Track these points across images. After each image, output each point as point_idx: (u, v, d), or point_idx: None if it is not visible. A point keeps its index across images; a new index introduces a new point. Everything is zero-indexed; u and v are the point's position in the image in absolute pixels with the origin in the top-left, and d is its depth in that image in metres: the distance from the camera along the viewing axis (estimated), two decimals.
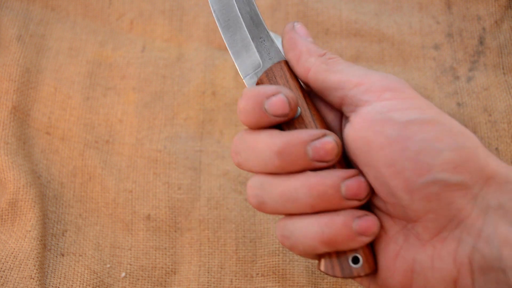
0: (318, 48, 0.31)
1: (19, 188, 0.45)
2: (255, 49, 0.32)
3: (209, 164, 0.48)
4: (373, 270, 0.28)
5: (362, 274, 0.28)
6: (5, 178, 0.46)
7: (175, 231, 0.46)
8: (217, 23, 0.33)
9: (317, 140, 0.27)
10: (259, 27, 0.32)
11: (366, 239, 0.27)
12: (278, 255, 0.44)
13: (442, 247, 0.25)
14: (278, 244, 0.45)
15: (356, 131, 0.26)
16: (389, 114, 0.25)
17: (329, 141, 0.27)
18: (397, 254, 0.27)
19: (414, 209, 0.25)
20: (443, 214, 0.25)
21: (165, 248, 0.46)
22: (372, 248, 0.28)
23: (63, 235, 0.46)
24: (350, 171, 0.27)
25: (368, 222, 0.26)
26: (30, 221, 0.44)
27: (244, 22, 0.32)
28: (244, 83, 0.33)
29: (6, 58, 0.51)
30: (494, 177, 0.24)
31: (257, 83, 0.31)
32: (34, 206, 0.45)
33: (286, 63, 0.31)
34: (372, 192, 0.27)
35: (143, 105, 0.51)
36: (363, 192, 0.27)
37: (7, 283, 0.41)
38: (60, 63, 0.53)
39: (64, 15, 0.56)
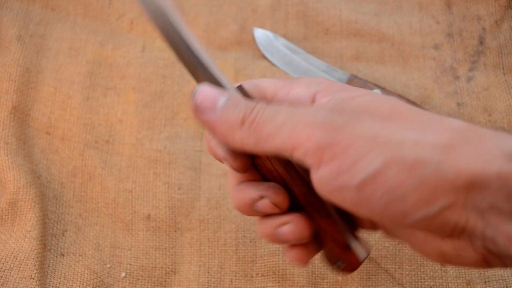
0: (232, 111, 0.26)
1: (19, 188, 0.45)
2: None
3: (209, 164, 0.48)
4: (358, 266, 0.30)
5: (348, 271, 0.30)
6: (5, 178, 0.46)
7: (175, 231, 0.46)
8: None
9: (258, 201, 0.28)
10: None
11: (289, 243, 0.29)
12: (278, 255, 0.44)
13: (459, 243, 0.25)
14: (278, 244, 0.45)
15: (321, 193, 0.25)
16: (339, 182, 0.23)
17: (267, 204, 0.28)
18: (424, 241, 0.27)
19: (413, 232, 0.26)
20: (442, 232, 0.24)
21: (165, 248, 0.46)
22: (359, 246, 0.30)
23: (63, 235, 0.46)
24: (286, 218, 0.28)
25: (287, 234, 0.29)
26: (30, 221, 0.44)
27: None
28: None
29: (6, 58, 0.51)
30: (472, 182, 0.22)
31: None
32: (34, 206, 0.45)
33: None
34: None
35: (143, 105, 0.51)
36: (297, 237, 0.28)
37: (7, 283, 0.41)
38: (60, 63, 0.53)
39: (64, 15, 0.56)
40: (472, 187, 0.22)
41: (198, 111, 0.26)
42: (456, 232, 0.24)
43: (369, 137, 0.22)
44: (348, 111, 0.24)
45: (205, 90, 0.27)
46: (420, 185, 0.22)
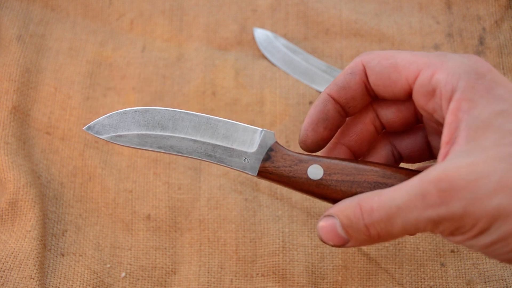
0: (355, 236, 0.27)
1: (19, 188, 0.45)
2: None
3: (209, 164, 0.48)
4: None
5: None
6: (5, 178, 0.46)
7: (175, 231, 0.46)
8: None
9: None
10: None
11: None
12: (278, 255, 0.44)
13: None
14: (278, 244, 0.45)
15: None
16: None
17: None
18: None
19: None
20: None
21: (165, 248, 0.46)
22: None
23: (63, 235, 0.46)
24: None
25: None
26: (30, 221, 0.44)
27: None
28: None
29: (6, 58, 0.51)
30: None
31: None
32: (34, 206, 0.45)
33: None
34: None
35: (143, 105, 0.51)
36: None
37: (7, 283, 0.41)
38: (60, 63, 0.53)
39: (64, 15, 0.56)
40: None
41: (341, 247, 0.29)
42: None
43: (490, 214, 0.22)
44: (461, 189, 0.23)
45: (323, 230, 0.28)
46: None
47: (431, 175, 0.24)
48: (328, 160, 0.30)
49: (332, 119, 0.31)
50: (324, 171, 0.29)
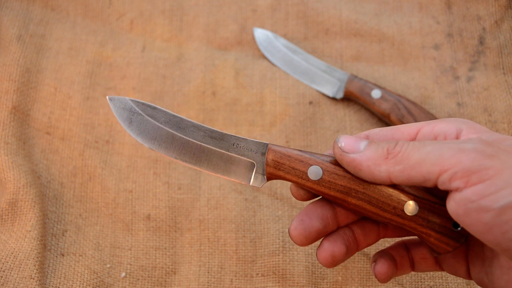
0: (375, 148, 0.29)
1: (19, 188, 0.45)
2: (238, 156, 0.32)
3: None
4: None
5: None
6: (5, 178, 0.46)
7: (175, 231, 0.46)
8: (189, 165, 0.33)
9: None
10: (224, 138, 0.32)
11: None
12: (278, 255, 0.44)
13: None
14: (278, 244, 0.45)
15: (455, 216, 0.26)
16: (481, 203, 0.24)
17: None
18: None
19: None
20: None
21: (165, 248, 0.46)
22: None
23: (63, 235, 0.46)
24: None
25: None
26: (30, 221, 0.44)
27: (209, 145, 0.32)
28: (253, 185, 0.32)
29: (6, 58, 0.51)
30: None
31: (268, 177, 0.32)
32: (34, 206, 0.45)
33: (272, 146, 0.32)
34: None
35: None
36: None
37: (7, 283, 0.41)
38: (60, 63, 0.53)
39: (64, 15, 0.56)
40: None
41: (343, 152, 0.30)
42: None
43: None
44: (497, 146, 0.25)
45: (347, 137, 0.30)
46: None
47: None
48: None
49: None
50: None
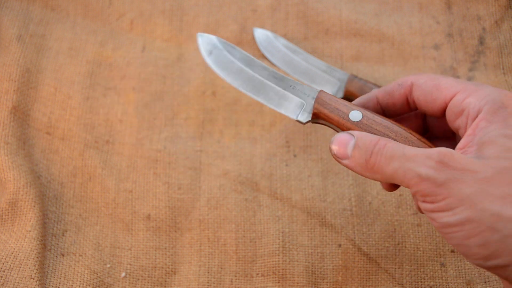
0: (359, 155, 0.32)
1: (19, 188, 0.45)
2: (292, 95, 0.37)
3: (209, 164, 0.48)
4: None
5: None
6: (5, 178, 0.46)
7: (175, 231, 0.46)
8: (247, 93, 0.37)
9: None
10: (284, 80, 0.37)
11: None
12: (278, 255, 0.44)
13: None
14: (278, 244, 0.45)
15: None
16: (433, 216, 0.30)
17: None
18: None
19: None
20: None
21: (165, 248, 0.46)
22: None
23: (63, 235, 0.46)
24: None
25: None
26: (30, 221, 0.44)
27: (270, 82, 0.37)
28: (299, 121, 0.36)
29: (6, 58, 0.51)
30: None
31: (313, 114, 0.36)
32: (34, 206, 0.45)
33: (323, 91, 0.36)
34: None
35: (143, 105, 0.51)
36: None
37: (7, 283, 0.41)
38: (60, 63, 0.53)
39: (64, 15, 0.56)
40: None
41: (337, 159, 0.33)
42: None
43: (461, 198, 0.28)
44: (454, 168, 0.29)
45: (338, 140, 0.33)
46: (483, 245, 0.28)
47: (441, 149, 0.29)
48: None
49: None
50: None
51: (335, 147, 0.33)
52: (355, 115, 0.34)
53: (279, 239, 0.45)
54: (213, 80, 0.52)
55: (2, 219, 0.45)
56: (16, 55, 0.51)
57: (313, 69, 0.51)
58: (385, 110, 0.36)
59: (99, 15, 0.55)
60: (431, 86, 0.33)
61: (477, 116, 0.30)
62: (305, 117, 0.36)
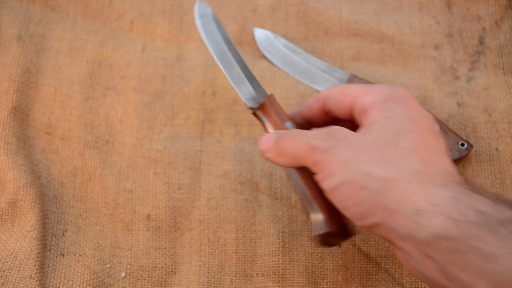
0: (274, 141, 0.37)
1: (19, 188, 0.45)
2: (249, 85, 0.42)
3: (209, 164, 0.48)
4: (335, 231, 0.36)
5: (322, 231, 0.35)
6: (5, 178, 0.46)
7: (175, 231, 0.46)
8: (216, 61, 0.43)
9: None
10: (248, 72, 0.42)
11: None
12: (278, 255, 0.44)
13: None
14: (278, 244, 0.45)
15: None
16: (323, 184, 0.33)
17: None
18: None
19: None
20: (389, 242, 0.32)
21: (165, 248, 0.46)
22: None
23: (63, 235, 0.46)
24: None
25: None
26: (30, 221, 0.44)
27: (238, 66, 0.43)
28: (245, 104, 0.41)
29: (6, 58, 0.51)
30: (396, 210, 0.29)
31: (260, 105, 0.41)
32: (34, 206, 0.45)
33: (272, 96, 0.41)
34: None
35: (143, 105, 0.51)
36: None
37: (7, 283, 0.41)
38: (60, 63, 0.53)
39: (64, 15, 0.56)
40: (394, 215, 0.30)
41: (262, 155, 0.37)
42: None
43: (340, 162, 0.32)
44: (337, 138, 0.33)
45: (265, 136, 0.37)
46: (358, 203, 0.31)
47: (333, 126, 0.34)
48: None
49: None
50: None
51: (261, 145, 0.37)
52: (289, 126, 0.39)
53: (279, 239, 0.45)
54: (213, 80, 0.52)
55: (2, 219, 0.45)
56: (16, 55, 0.51)
57: (313, 69, 0.51)
58: (308, 122, 0.40)
59: (99, 15, 0.55)
60: (340, 95, 0.37)
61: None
62: (252, 103, 0.41)
